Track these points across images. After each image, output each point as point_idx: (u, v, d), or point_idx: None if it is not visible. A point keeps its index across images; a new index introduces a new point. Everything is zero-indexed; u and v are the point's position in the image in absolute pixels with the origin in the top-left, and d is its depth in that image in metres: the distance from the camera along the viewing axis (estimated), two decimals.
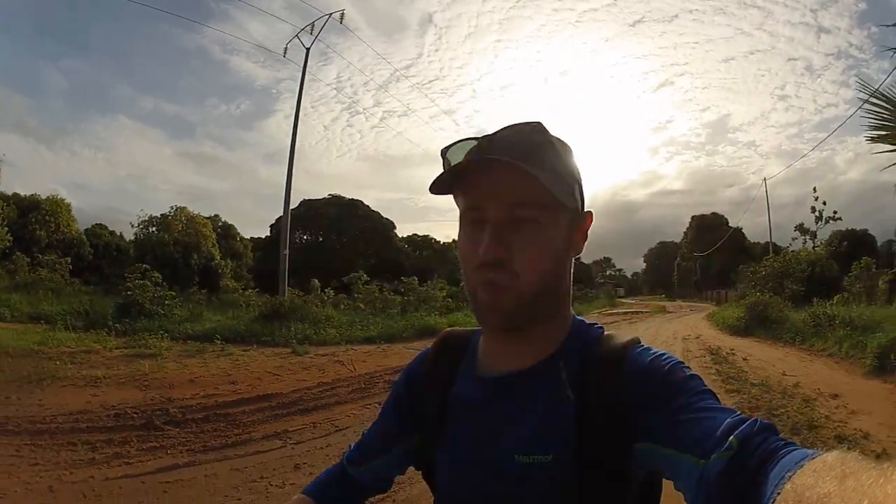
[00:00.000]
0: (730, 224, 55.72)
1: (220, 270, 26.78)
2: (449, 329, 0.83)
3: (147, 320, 12.08)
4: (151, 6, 34.09)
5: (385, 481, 0.84)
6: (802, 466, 0.39)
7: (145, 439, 4.74)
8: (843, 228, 24.85)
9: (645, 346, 0.67)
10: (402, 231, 41.23)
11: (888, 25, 6.07)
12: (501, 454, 0.65)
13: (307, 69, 20.71)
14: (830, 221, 23.21)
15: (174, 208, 26.55)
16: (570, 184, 0.66)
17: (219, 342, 10.43)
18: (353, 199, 37.00)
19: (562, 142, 0.67)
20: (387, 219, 38.04)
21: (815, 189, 22.75)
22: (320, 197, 36.63)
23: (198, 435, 4.87)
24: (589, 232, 0.71)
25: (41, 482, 3.79)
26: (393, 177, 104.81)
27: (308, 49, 20.36)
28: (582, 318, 0.73)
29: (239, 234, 38.36)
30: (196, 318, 13.28)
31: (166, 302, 13.52)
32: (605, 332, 0.70)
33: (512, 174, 0.60)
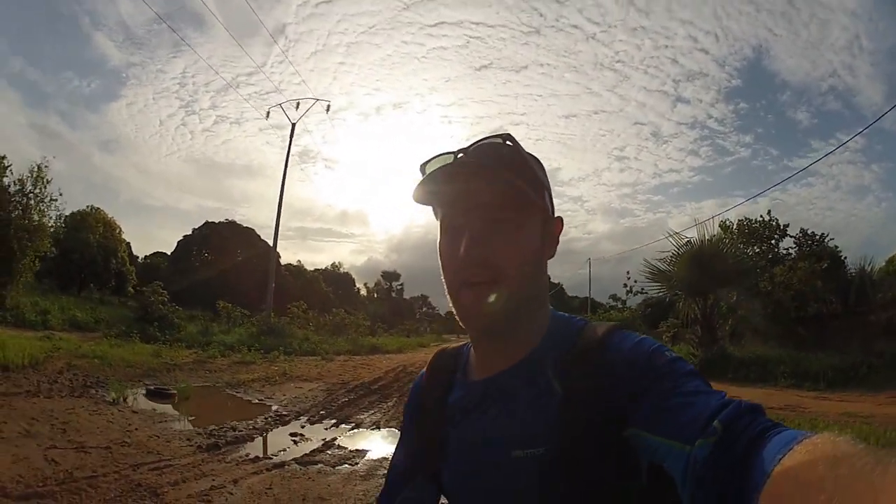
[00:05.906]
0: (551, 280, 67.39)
1: (128, 276, 27.29)
2: (440, 347, 0.89)
3: (178, 333, 15.23)
4: None
5: None
6: (793, 449, 0.39)
7: (392, 392, 9.27)
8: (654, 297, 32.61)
9: (627, 332, 0.67)
10: None
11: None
12: (499, 451, 0.66)
13: (292, 142, 24.55)
14: (639, 294, 27.74)
15: (91, 208, 26.11)
16: (540, 188, 0.70)
17: (280, 352, 14.31)
18: (247, 226, 39.17)
19: (530, 154, 0.71)
20: (276, 250, 40.71)
21: (628, 272, 28.58)
22: (219, 221, 38.11)
23: (400, 388, 9.84)
24: (560, 237, 0.75)
25: None
26: (215, 184, 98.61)
27: (294, 124, 24.13)
28: (561, 313, 0.75)
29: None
30: (207, 332, 16.39)
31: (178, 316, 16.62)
32: (587, 323, 0.72)
33: (489, 179, 0.65)
